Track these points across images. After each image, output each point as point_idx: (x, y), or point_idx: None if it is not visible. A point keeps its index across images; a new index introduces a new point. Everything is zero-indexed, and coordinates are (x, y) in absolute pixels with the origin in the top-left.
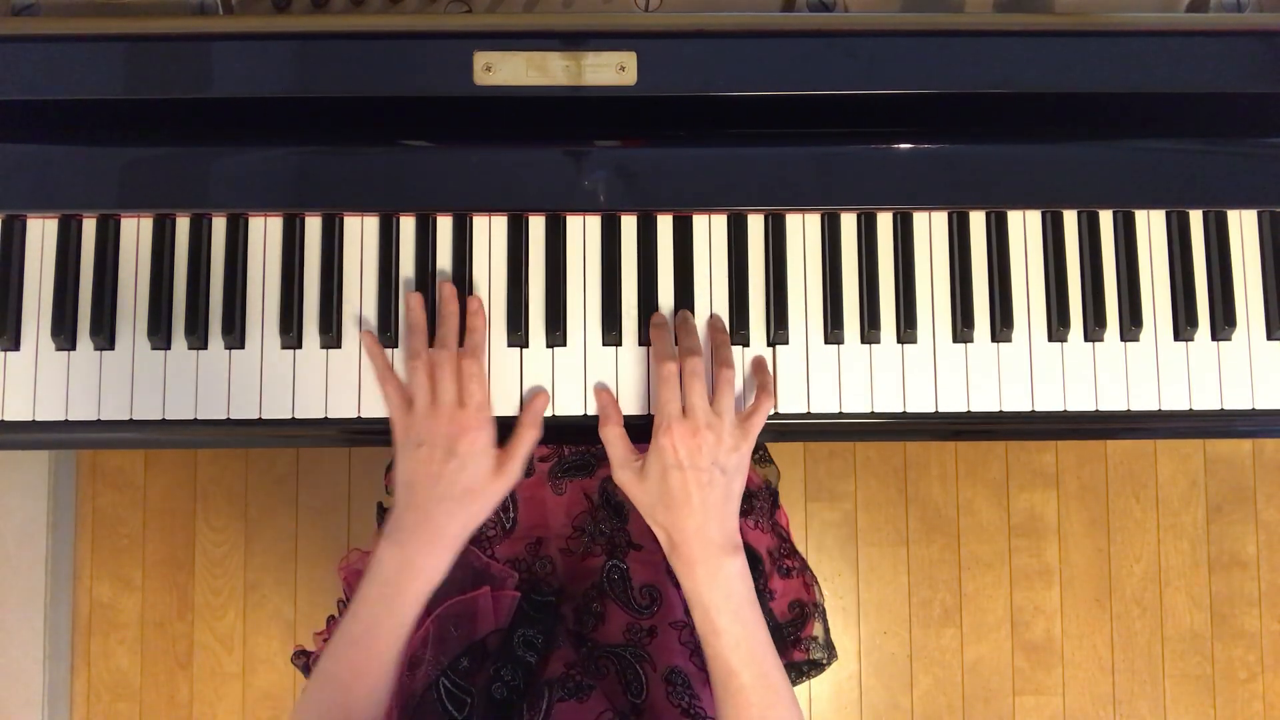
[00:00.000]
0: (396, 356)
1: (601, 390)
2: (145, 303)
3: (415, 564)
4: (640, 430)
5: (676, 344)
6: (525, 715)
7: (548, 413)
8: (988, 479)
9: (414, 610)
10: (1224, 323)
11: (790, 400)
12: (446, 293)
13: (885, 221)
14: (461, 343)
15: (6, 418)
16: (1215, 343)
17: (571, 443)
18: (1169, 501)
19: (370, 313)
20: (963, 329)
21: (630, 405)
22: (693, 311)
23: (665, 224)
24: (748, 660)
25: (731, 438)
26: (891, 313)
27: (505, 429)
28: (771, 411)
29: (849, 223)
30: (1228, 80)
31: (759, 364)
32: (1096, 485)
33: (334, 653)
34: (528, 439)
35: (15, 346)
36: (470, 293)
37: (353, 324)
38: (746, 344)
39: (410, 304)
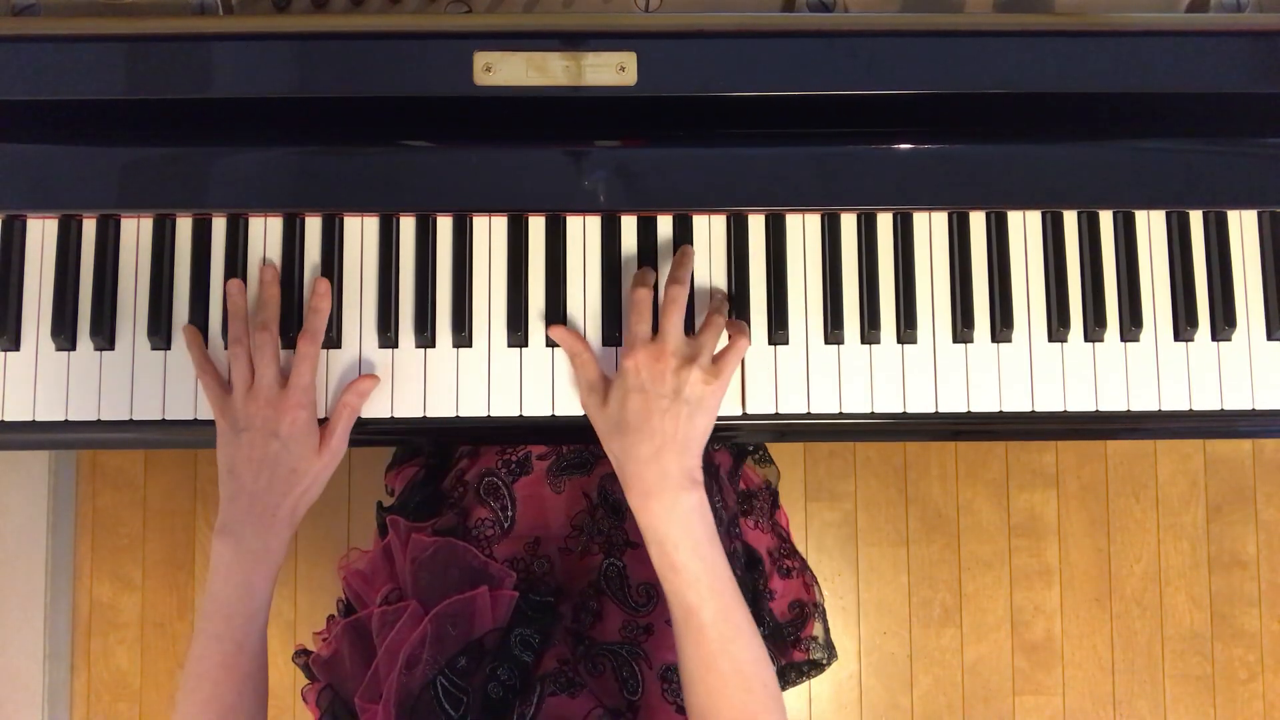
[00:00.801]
0: (397, 357)
1: (557, 328)
2: (145, 303)
3: (252, 548)
4: None
5: (671, 271)
6: (517, 709)
7: (547, 412)
8: (988, 479)
9: (265, 595)
10: (1224, 323)
11: (790, 400)
12: (267, 276)
13: (885, 221)
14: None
15: (6, 418)
16: (1215, 343)
17: (571, 442)
18: (1169, 501)
19: (370, 312)
20: (963, 329)
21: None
22: (693, 310)
23: (665, 224)
24: (707, 596)
25: (702, 370)
26: (891, 313)
27: (508, 429)
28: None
29: (849, 223)
30: (1228, 80)
31: (734, 324)
32: (1096, 485)
33: (198, 653)
34: (344, 414)
35: (15, 346)
36: (470, 293)
37: (353, 325)
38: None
39: (230, 291)
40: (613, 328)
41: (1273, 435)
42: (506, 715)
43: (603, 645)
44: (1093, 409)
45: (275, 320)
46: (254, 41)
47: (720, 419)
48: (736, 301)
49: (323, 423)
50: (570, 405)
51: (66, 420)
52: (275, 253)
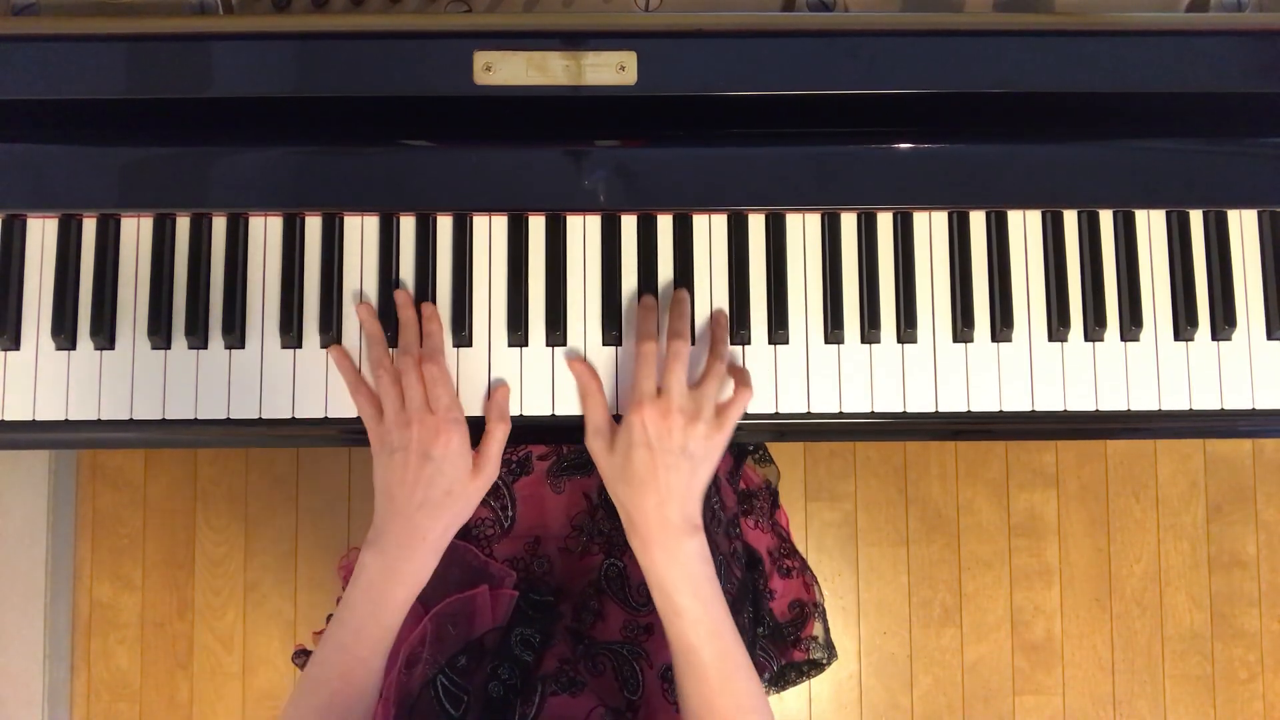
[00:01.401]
0: (397, 356)
1: (576, 362)
2: (145, 303)
3: (399, 570)
4: None
5: (670, 324)
6: (519, 709)
7: (547, 412)
8: (988, 479)
9: (399, 615)
10: (1224, 323)
11: (790, 400)
12: (401, 299)
13: (885, 221)
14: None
15: (6, 418)
16: (1215, 343)
17: (571, 442)
18: (1169, 501)
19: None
20: (963, 329)
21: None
22: (693, 311)
23: (665, 224)
24: (707, 637)
25: (706, 425)
26: (891, 312)
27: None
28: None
29: (849, 222)
30: (1228, 80)
31: (738, 368)
32: (1096, 485)
33: (321, 658)
34: (498, 434)
35: (15, 346)
36: (470, 292)
37: (354, 324)
38: (748, 342)
39: (362, 315)
40: (612, 327)
41: (1273, 435)
42: (508, 715)
43: (603, 645)
44: (1093, 409)
45: (415, 341)
46: (254, 41)
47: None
48: (736, 301)
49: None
50: (570, 405)
51: (66, 420)
52: (275, 253)
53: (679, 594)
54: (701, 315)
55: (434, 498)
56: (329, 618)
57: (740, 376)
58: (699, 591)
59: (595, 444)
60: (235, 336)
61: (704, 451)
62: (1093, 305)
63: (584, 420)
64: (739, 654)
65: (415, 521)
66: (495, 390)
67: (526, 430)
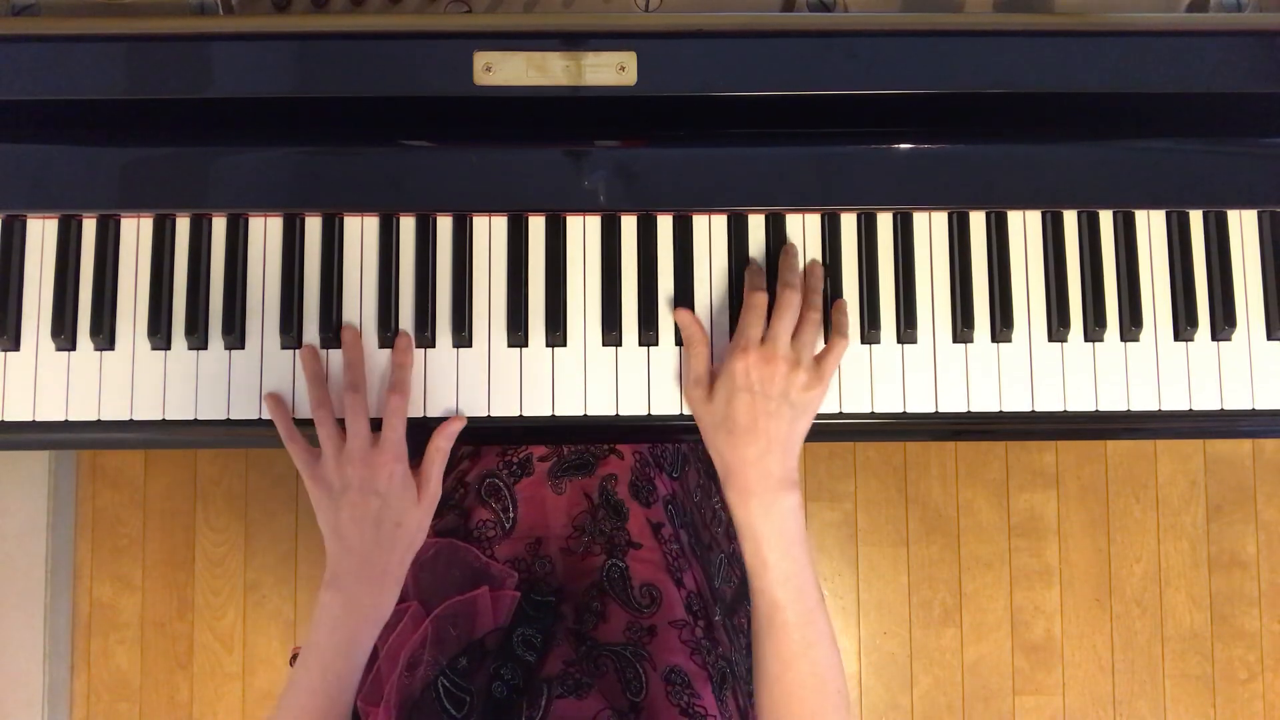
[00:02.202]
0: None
1: (682, 311)
2: (145, 303)
3: (361, 605)
4: (640, 432)
5: (781, 274)
6: (524, 713)
7: (547, 412)
8: (988, 479)
9: (366, 650)
10: (1224, 323)
11: None
12: (348, 337)
13: (885, 221)
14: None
15: (6, 418)
16: (1215, 343)
17: (571, 442)
18: (1169, 501)
19: (370, 313)
20: (963, 329)
21: (632, 406)
22: (693, 310)
23: (665, 224)
24: (794, 597)
25: (807, 374)
26: (891, 312)
27: (508, 429)
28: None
29: (849, 223)
30: (1228, 80)
31: (839, 305)
32: (1096, 485)
33: (289, 703)
34: (436, 459)
35: (15, 346)
36: (470, 292)
37: (352, 324)
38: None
39: (305, 357)
40: (612, 328)
41: (1273, 435)
42: (511, 715)
43: (606, 646)
44: (1093, 409)
45: (363, 381)
46: (254, 41)
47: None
48: (736, 302)
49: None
50: (570, 405)
51: (66, 420)
52: (275, 253)
53: (770, 549)
54: (702, 315)
55: (386, 531)
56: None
57: (838, 323)
58: (790, 549)
59: (695, 393)
60: (235, 337)
61: (804, 402)
62: (1093, 305)
63: (683, 369)
64: (823, 620)
65: (371, 558)
66: (449, 423)
67: (527, 431)
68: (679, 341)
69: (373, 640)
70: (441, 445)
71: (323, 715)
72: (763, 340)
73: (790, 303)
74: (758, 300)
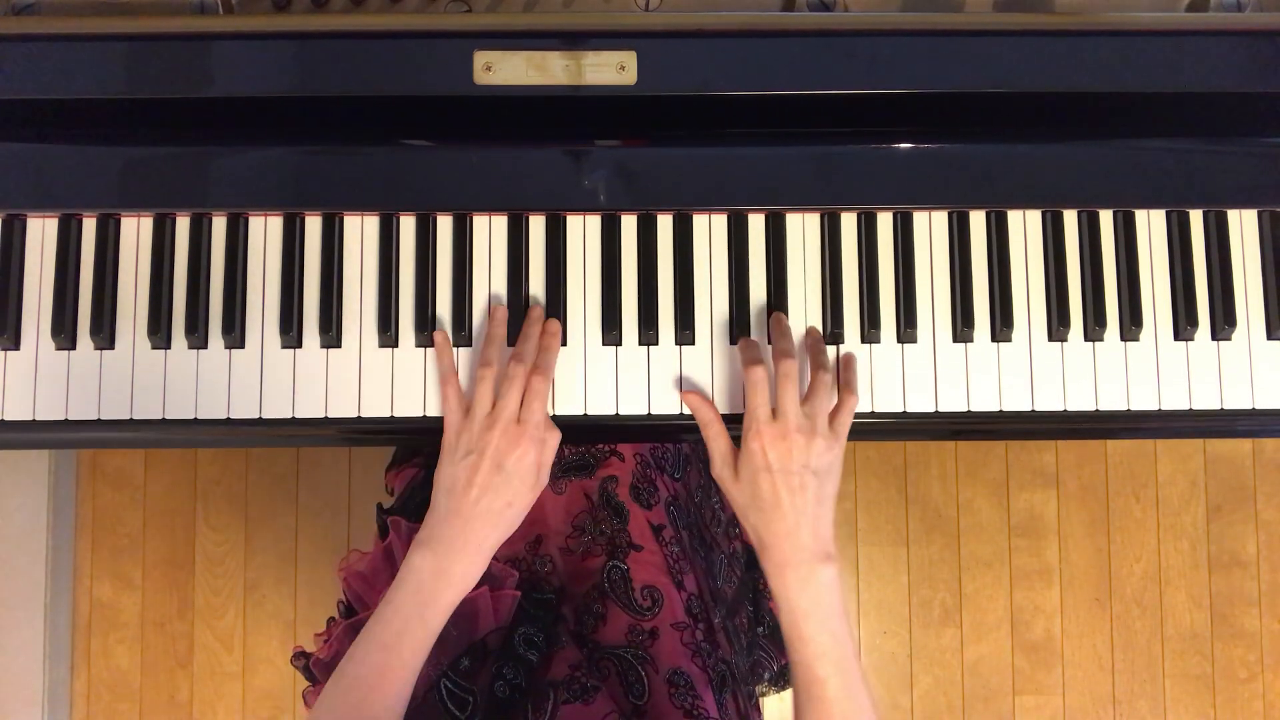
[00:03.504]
0: (397, 356)
1: (690, 394)
2: (145, 302)
3: (450, 572)
4: (639, 432)
5: (775, 344)
6: (529, 716)
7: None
8: (988, 479)
9: (444, 618)
10: (1224, 322)
11: None
12: (536, 314)
13: (885, 221)
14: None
15: (6, 418)
16: (1215, 342)
17: (571, 442)
18: (1169, 501)
19: (370, 312)
20: (963, 329)
21: (632, 406)
22: (693, 310)
23: (665, 223)
24: (834, 670)
25: (824, 439)
26: (891, 312)
27: None
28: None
29: (849, 222)
30: (1228, 80)
31: (845, 362)
32: (1096, 485)
33: (360, 657)
34: (551, 450)
35: (15, 346)
36: (470, 292)
37: (353, 324)
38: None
39: (496, 315)
40: (612, 328)
41: (1273, 435)
42: (514, 715)
43: (607, 649)
44: (1093, 409)
45: (533, 355)
46: (254, 41)
47: (728, 417)
48: (736, 301)
49: None
50: (570, 405)
51: (66, 420)
52: (275, 253)
53: (807, 622)
54: (702, 315)
55: (495, 507)
56: (329, 620)
57: (847, 379)
58: (827, 623)
59: (724, 474)
60: (235, 336)
61: (826, 465)
62: (1093, 305)
63: (709, 450)
64: (863, 693)
65: (473, 527)
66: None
67: None
68: (679, 341)
69: (451, 609)
70: (552, 439)
71: (388, 672)
72: (774, 414)
73: (790, 372)
74: (758, 375)
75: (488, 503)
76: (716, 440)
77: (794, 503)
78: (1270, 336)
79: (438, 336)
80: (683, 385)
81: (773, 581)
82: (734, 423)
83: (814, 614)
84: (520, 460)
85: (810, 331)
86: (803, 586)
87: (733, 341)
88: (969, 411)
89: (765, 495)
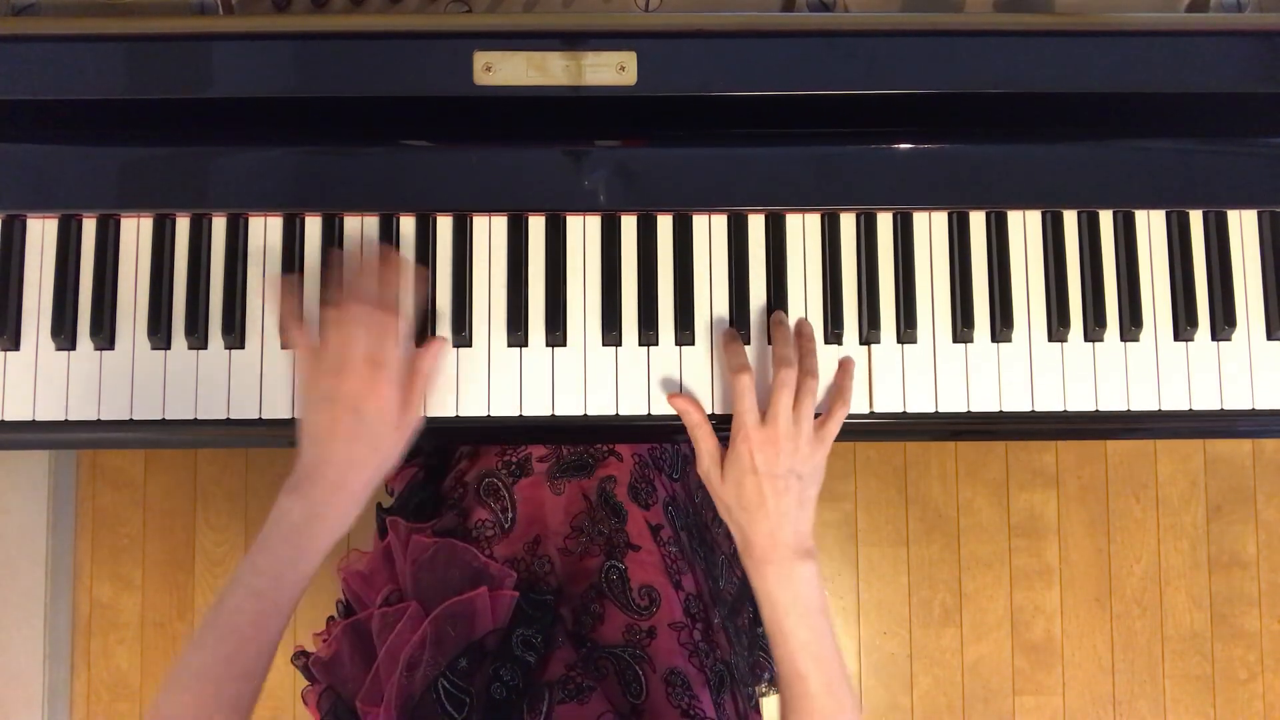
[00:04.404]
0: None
1: (675, 397)
2: (145, 303)
3: (323, 516)
4: (639, 432)
5: (776, 349)
6: (526, 717)
7: (546, 412)
8: (988, 479)
9: (317, 562)
10: (1224, 323)
11: None
12: (386, 253)
13: (885, 221)
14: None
15: (6, 418)
16: (1215, 343)
17: (571, 443)
18: (1169, 501)
19: None
20: (963, 329)
21: (632, 406)
22: (693, 312)
23: (665, 224)
24: (814, 666)
25: (809, 445)
26: (891, 313)
27: (508, 429)
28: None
29: (849, 223)
30: (1228, 80)
31: (841, 369)
32: (1096, 485)
33: (233, 606)
34: (419, 386)
35: (15, 346)
36: (470, 292)
37: None
38: (747, 342)
39: (334, 256)
40: (612, 328)
41: (1273, 435)
42: (511, 716)
43: (605, 648)
44: (1093, 409)
45: (375, 291)
46: (254, 41)
47: (722, 417)
48: (736, 301)
49: None
50: (570, 405)
51: (66, 420)
52: (275, 253)
53: (787, 616)
54: (702, 315)
55: (359, 452)
56: (329, 619)
57: (841, 386)
58: (807, 617)
59: (712, 474)
60: (235, 336)
61: (811, 469)
62: (1092, 305)
63: (696, 452)
64: (845, 691)
65: (341, 472)
66: (430, 342)
67: (526, 431)
68: (679, 342)
69: (324, 554)
70: (424, 369)
71: (262, 619)
72: (763, 417)
73: (788, 381)
74: (744, 383)
75: (347, 450)
76: (705, 440)
77: (778, 504)
78: (1270, 337)
79: (269, 281)
80: (682, 386)
81: (754, 578)
82: (727, 422)
83: (794, 609)
84: (378, 403)
85: (802, 330)
86: (783, 582)
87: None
88: (969, 412)
89: (750, 496)
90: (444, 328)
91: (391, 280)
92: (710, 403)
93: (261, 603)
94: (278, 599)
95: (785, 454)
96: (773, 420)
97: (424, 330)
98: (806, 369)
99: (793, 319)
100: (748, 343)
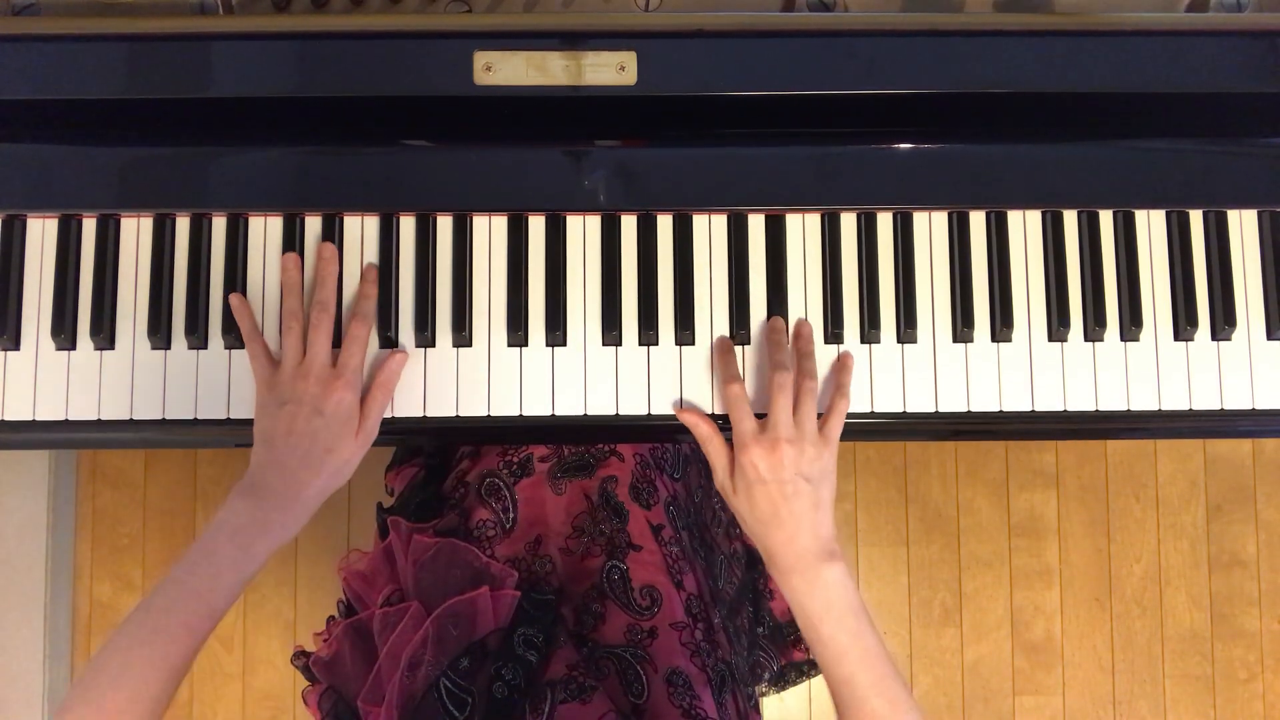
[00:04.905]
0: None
1: (685, 412)
2: (145, 303)
3: (270, 521)
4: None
5: (771, 355)
6: (528, 717)
7: (547, 412)
8: (988, 479)
9: (256, 568)
10: (1224, 323)
11: None
12: (326, 253)
13: (885, 221)
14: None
15: (6, 418)
16: (1215, 343)
17: (571, 442)
18: (1169, 501)
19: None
20: (963, 329)
21: (632, 406)
22: (693, 312)
23: (665, 224)
24: (860, 668)
25: (814, 446)
26: (891, 313)
27: (508, 429)
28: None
29: (849, 223)
30: (1228, 80)
31: (839, 364)
32: (1096, 485)
33: (165, 605)
34: (378, 395)
35: (15, 346)
36: (470, 292)
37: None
38: (747, 342)
39: (286, 265)
40: (612, 328)
41: (1273, 435)
42: (513, 716)
43: (606, 648)
44: (1093, 409)
45: (334, 299)
46: (254, 41)
47: (720, 418)
48: (736, 301)
49: None
50: (570, 406)
51: (66, 420)
52: (275, 253)
53: (823, 623)
54: (702, 315)
55: (316, 454)
56: (329, 619)
57: (839, 382)
58: (843, 620)
59: (726, 486)
60: (235, 336)
61: (819, 471)
62: (1092, 305)
63: (711, 465)
64: (897, 686)
65: (295, 475)
66: (390, 358)
67: (527, 431)
68: (679, 341)
69: (266, 558)
70: (385, 382)
71: (194, 621)
72: (762, 426)
73: (784, 384)
74: (736, 392)
75: (306, 449)
76: (718, 454)
77: (790, 510)
78: (1270, 337)
79: (234, 299)
80: (682, 386)
81: (784, 589)
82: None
83: (828, 615)
84: (338, 405)
85: (800, 332)
86: (811, 589)
87: (732, 341)
88: (969, 412)
89: (762, 506)
90: (444, 328)
91: (369, 295)
92: (710, 404)
93: (196, 603)
94: (212, 601)
95: (789, 459)
96: (772, 427)
97: (425, 327)
98: (804, 371)
99: (793, 319)
100: (747, 342)
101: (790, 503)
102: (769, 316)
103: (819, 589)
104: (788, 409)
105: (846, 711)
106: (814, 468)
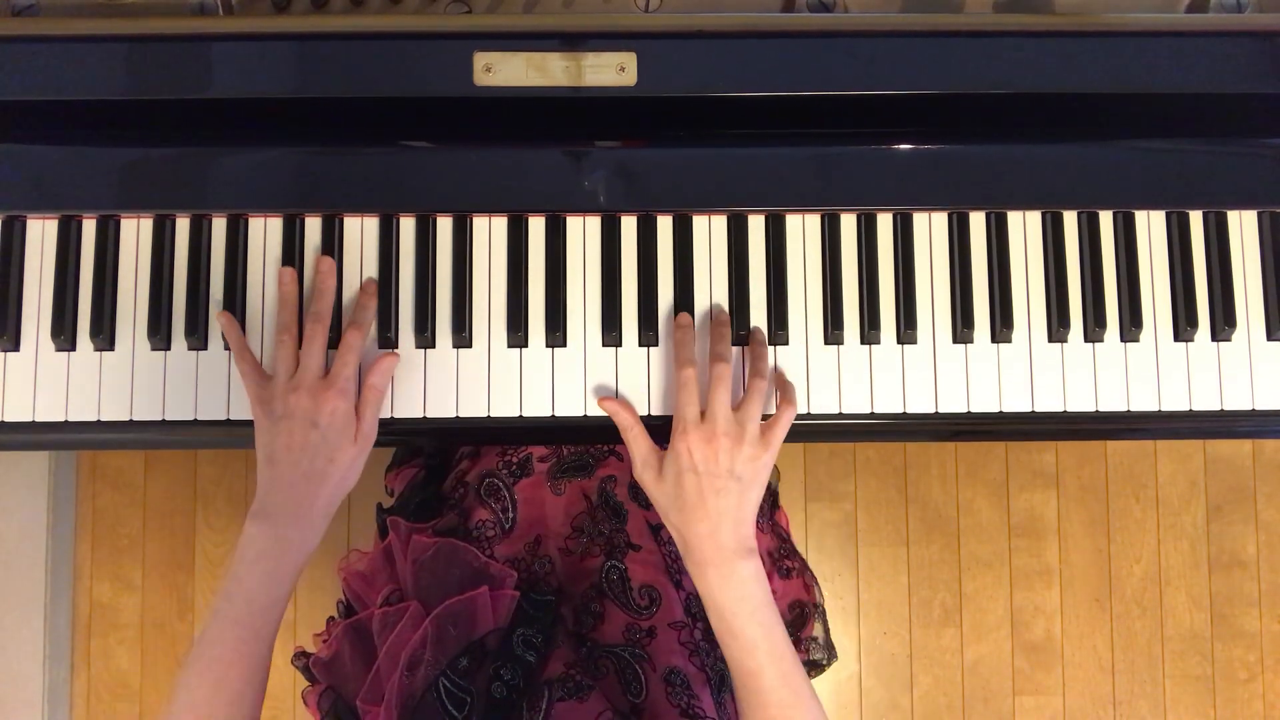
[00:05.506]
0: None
1: (606, 400)
2: (145, 303)
3: (289, 539)
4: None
5: (712, 346)
6: (525, 715)
7: (547, 413)
8: (988, 479)
9: (290, 585)
10: (1224, 323)
11: None
12: (324, 266)
13: (885, 222)
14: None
15: (6, 418)
16: (1215, 343)
17: (571, 443)
18: (1169, 501)
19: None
20: (963, 329)
21: (634, 405)
22: (693, 311)
23: (665, 224)
24: (766, 661)
25: (752, 447)
26: (891, 313)
27: (508, 429)
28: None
29: (849, 223)
30: (1228, 80)
31: (779, 371)
32: (1096, 485)
33: (213, 637)
34: (371, 398)
35: (15, 347)
36: (470, 293)
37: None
38: (747, 343)
39: (283, 278)
40: (611, 328)
41: (1273, 435)
42: (511, 716)
43: (605, 647)
44: (1093, 409)
45: (330, 312)
46: (254, 42)
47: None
48: (736, 302)
49: None
50: (569, 406)
51: (66, 420)
52: (275, 253)
53: (735, 617)
54: (701, 316)
55: (318, 466)
56: (329, 620)
57: (784, 391)
58: (755, 614)
59: (645, 475)
60: None
61: (752, 473)
62: (1092, 306)
63: (630, 453)
64: (800, 680)
65: (301, 489)
66: (381, 359)
67: (527, 431)
68: (712, 344)
69: (296, 574)
70: (376, 384)
71: (243, 647)
72: (703, 415)
73: (723, 375)
74: (687, 377)
75: (308, 462)
76: (638, 443)
77: (716, 505)
78: (1270, 337)
79: (222, 318)
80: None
81: (697, 581)
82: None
83: (740, 608)
84: (333, 415)
85: (755, 333)
86: (725, 583)
87: (732, 341)
88: (969, 412)
89: (689, 495)
90: (444, 329)
91: (367, 305)
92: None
93: (240, 629)
94: (255, 624)
95: (724, 452)
96: (711, 418)
97: (425, 328)
98: (756, 371)
99: (793, 319)
100: (746, 343)
101: (717, 498)
102: (769, 317)
103: (734, 583)
104: (726, 403)
105: (753, 699)
106: (748, 468)
